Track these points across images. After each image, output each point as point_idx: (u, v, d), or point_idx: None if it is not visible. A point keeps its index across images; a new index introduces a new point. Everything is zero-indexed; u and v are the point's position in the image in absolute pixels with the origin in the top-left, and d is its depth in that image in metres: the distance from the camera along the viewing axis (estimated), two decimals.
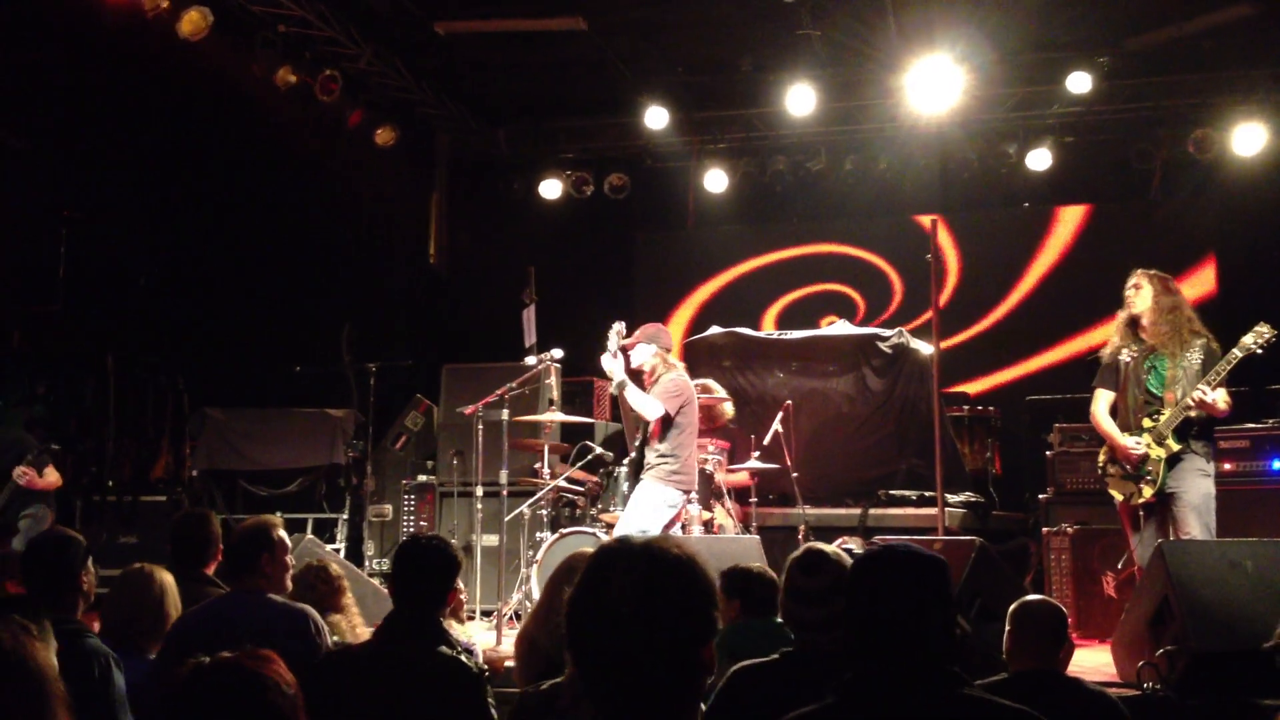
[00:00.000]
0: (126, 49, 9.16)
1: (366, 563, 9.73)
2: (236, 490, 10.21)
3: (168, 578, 4.58)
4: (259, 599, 4.45)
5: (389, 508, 10.07)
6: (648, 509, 7.54)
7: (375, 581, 7.80)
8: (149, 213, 10.71)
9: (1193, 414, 6.51)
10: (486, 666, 4.28)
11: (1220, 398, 6.47)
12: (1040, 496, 9.04)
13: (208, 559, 5.13)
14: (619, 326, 7.56)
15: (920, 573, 2.47)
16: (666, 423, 7.60)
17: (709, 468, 8.58)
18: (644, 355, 7.74)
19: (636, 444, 7.72)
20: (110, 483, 10.12)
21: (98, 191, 10.34)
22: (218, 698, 2.28)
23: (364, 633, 5.07)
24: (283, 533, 4.62)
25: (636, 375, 7.74)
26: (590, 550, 2.34)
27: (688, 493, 7.73)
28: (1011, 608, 4.28)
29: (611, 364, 7.53)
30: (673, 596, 1.98)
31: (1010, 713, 2.36)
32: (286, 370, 10.50)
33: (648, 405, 7.57)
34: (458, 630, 5.47)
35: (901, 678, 2.35)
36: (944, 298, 11.99)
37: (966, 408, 10.83)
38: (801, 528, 8.73)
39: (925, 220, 8.78)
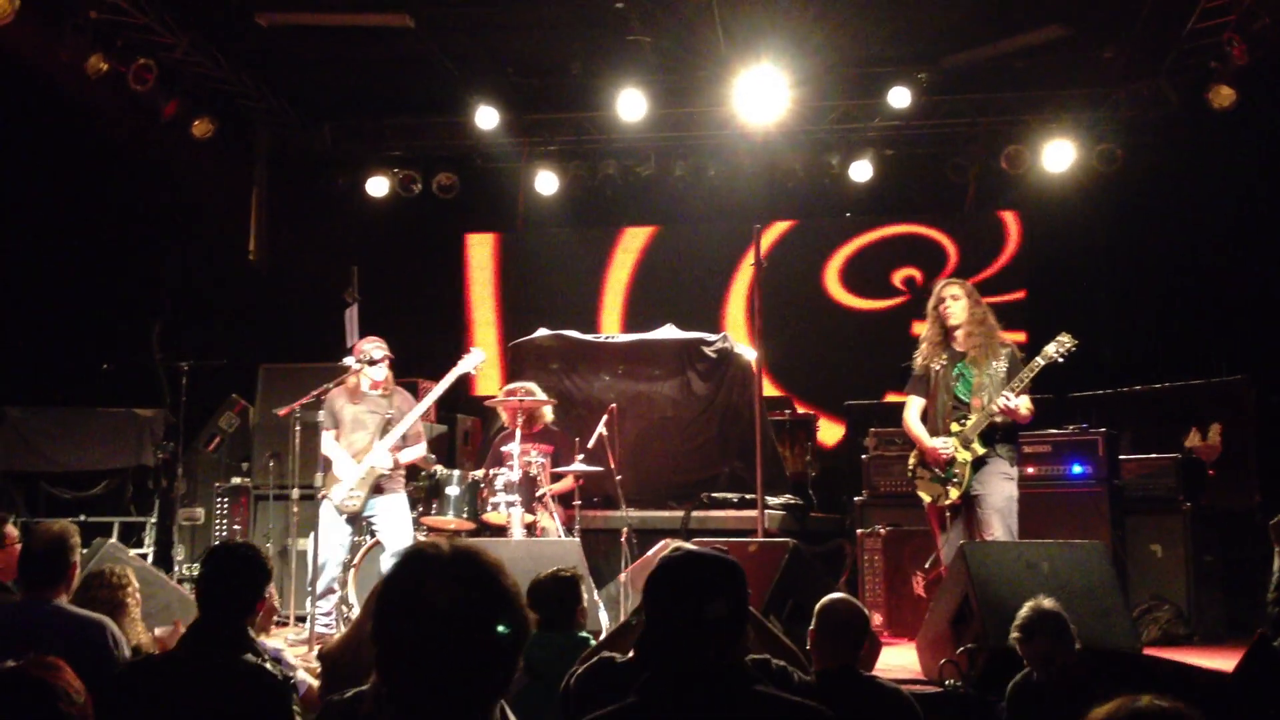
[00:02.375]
0: None
1: (176, 568, 9.43)
2: (38, 492, 9.76)
3: None
4: (54, 608, 4.31)
5: (201, 511, 9.77)
6: (410, 521, 8.08)
7: (184, 588, 7.55)
8: None
9: (998, 419, 6.77)
10: (292, 674, 4.18)
11: (1023, 404, 6.73)
12: (856, 499, 9.28)
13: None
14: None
15: (710, 575, 2.54)
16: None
17: (532, 471, 8.56)
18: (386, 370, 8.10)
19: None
20: None
21: None
22: (4, 707, 2.20)
23: (145, 639, 4.92)
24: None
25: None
26: None
27: None
28: (816, 607, 4.39)
29: None
30: (489, 602, 1.99)
31: (797, 708, 2.42)
32: (93, 367, 10.08)
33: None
34: (271, 640, 5.37)
35: (695, 676, 2.40)
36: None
37: (788, 412, 11.06)
38: (625, 530, 8.76)
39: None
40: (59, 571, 4.39)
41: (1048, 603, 4.66)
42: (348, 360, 7.93)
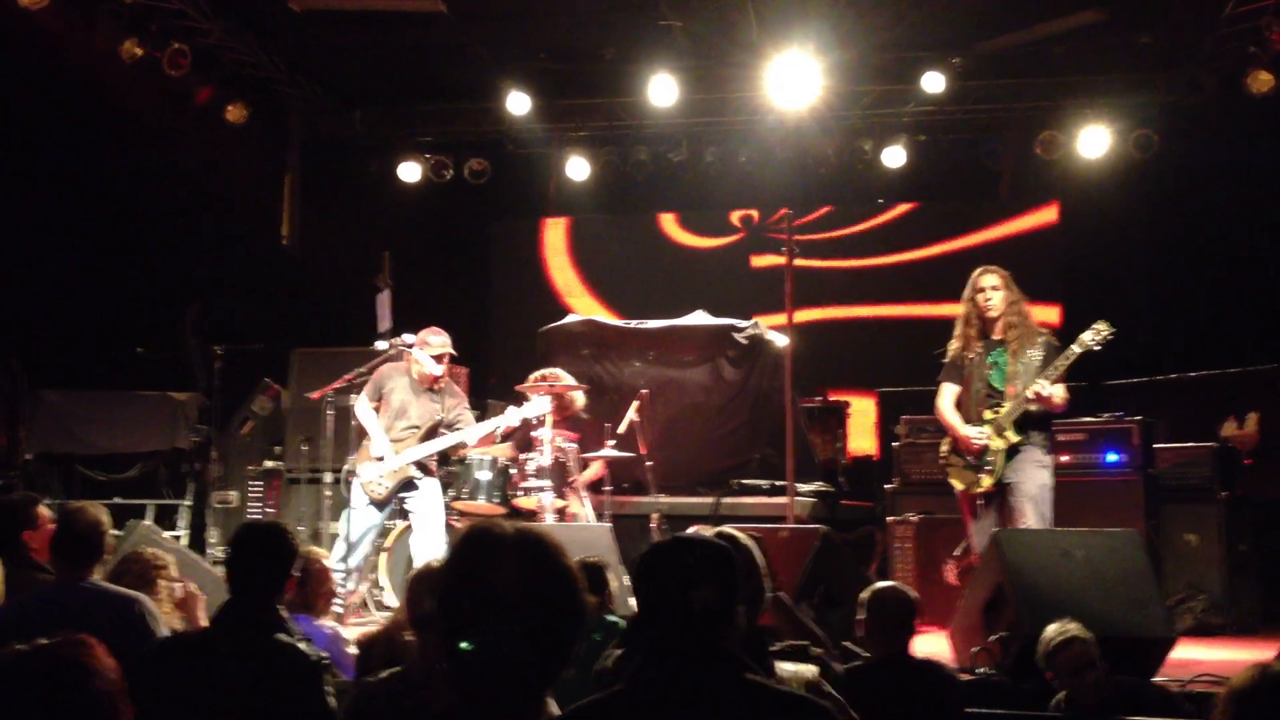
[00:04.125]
0: None
1: (210, 550, 9.49)
2: (74, 475, 9.86)
3: None
4: (88, 586, 4.33)
5: (234, 494, 9.84)
6: (441, 504, 7.97)
7: (218, 570, 7.60)
8: None
9: (1032, 407, 6.71)
10: (326, 657, 4.19)
11: (1058, 392, 6.67)
12: (886, 486, 9.23)
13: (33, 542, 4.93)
14: None
15: (697, 561, 2.46)
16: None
17: (562, 457, 8.56)
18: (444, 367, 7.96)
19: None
20: None
21: None
22: (36, 685, 2.21)
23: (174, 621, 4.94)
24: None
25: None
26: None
27: None
28: (864, 595, 4.39)
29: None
30: (551, 583, 2.03)
31: (787, 699, 2.39)
32: (128, 352, 10.17)
33: None
34: (327, 620, 5.38)
35: (682, 664, 2.36)
36: None
37: (819, 399, 11.02)
38: (655, 516, 8.76)
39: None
40: (97, 551, 4.42)
41: (1073, 627, 4.71)
42: (379, 345, 7.90)
